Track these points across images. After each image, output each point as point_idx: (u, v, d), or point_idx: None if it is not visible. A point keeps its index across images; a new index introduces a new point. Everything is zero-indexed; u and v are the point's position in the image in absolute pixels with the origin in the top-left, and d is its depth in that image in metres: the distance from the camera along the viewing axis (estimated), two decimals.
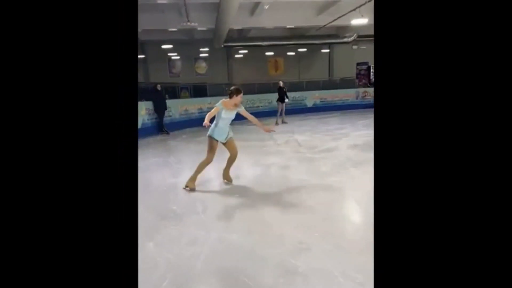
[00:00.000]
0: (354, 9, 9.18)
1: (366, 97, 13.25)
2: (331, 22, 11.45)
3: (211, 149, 4.01)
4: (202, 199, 3.76)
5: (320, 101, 13.36)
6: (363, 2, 8.58)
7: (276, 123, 9.59)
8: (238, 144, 4.33)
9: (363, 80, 15.02)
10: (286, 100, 9.70)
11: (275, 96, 9.99)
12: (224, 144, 4.14)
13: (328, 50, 18.07)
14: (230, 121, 4.12)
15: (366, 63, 15.79)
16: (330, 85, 14.02)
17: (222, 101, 4.03)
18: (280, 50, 17.41)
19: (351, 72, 15.95)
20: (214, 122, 4.04)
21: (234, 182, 4.30)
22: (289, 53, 18.23)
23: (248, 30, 13.72)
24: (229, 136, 4.12)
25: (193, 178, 4.07)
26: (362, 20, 9.19)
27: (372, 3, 8.44)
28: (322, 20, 11.87)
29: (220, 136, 4.06)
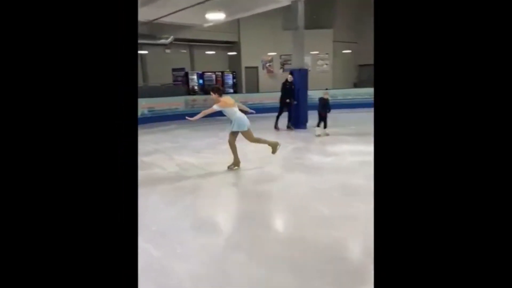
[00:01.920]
0: (199, 4, 7.92)
1: (195, 105, 12.15)
2: (161, 17, 9.71)
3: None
4: None
5: (149, 111, 11.31)
6: None
7: None
8: None
9: (185, 86, 13.89)
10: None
11: None
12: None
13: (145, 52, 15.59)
14: (229, 116, 5.14)
15: (183, 69, 14.71)
16: (151, 92, 12.01)
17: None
18: None
19: (168, 79, 14.47)
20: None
21: None
22: None
23: None
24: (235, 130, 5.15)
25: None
26: (219, 15, 8.04)
27: None
28: (147, 14, 9.93)
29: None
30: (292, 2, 9.39)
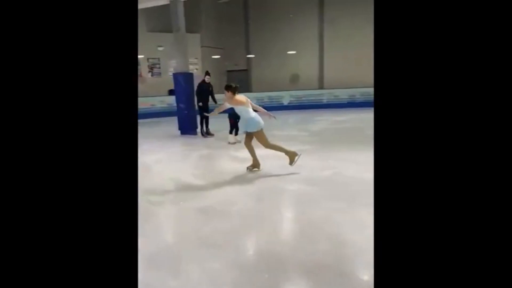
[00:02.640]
0: None
1: None
2: None
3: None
4: None
5: None
6: None
7: None
8: None
9: None
10: None
11: None
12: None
13: None
14: (241, 115, 4.93)
15: None
16: None
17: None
18: None
19: None
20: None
21: None
22: None
23: None
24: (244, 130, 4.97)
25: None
26: None
27: None
28: None
29: None
30: (171, 1, 8.82)
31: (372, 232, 1.23)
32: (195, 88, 8.64)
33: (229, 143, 7.45)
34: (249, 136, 4.96)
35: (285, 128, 5.37)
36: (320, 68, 15.91)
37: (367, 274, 2.25)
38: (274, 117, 5.13)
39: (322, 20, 15.67)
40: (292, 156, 4.92)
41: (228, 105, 4.83)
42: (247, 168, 5.10)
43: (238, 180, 4.75)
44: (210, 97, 8.44)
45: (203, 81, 8.39)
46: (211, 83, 8.60)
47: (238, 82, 8.34)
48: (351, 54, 14.42)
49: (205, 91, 8.33)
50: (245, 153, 6.53)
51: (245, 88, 16.45)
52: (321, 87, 15.60)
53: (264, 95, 14.34)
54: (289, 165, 4.93)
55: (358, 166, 4.82)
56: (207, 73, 8.48)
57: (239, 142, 7.41)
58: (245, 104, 4.80)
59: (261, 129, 4.83)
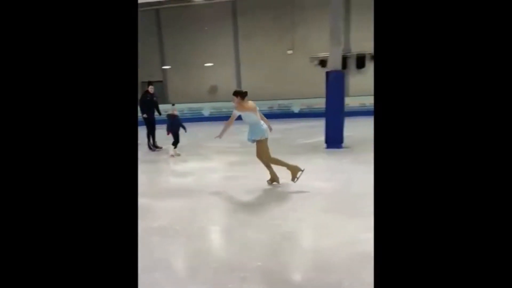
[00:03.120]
0: None
1: None
2: None
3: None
4: None
5: None
6: None
7: None
8: None
9: None
10: None
11: None
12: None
13: None
14: (247, 122, 4.54)
15: None
16: None
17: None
18: None
19: None
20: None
21: None
22: None
23: None
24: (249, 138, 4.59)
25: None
26: None
27: None
28: None
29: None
30: None
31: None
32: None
33: (171, 156, 7.24)
34: (263, 144, 4.54)
35: (215, 140, 5.32)
36: (237, 80, 16.35)
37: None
38: (271, 129, 4.73)
39: (237, 33, 16.17)
40: (294, 172, 4.52)
41: (237, 113, 4.45)
42: (267, 181, 4.73)
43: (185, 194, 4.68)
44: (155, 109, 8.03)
45: (147, 91, 7.93)
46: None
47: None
48: (266, 68, 15.17)
49: (149, 102, 7.87)
50: (185, 166, 6.41)
51: (162, 99, 16.04)
52: None
53: (184, 106, 14.19)
54: (292, 181, 4.52)
55: (305, 175, 4.59)
56: (150, 83, 8.05)
57: (179, 155, 7.28)
58: (254, 110, 4.49)
59: (266, 139, 4.52)
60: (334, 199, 4.13)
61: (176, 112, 7.31)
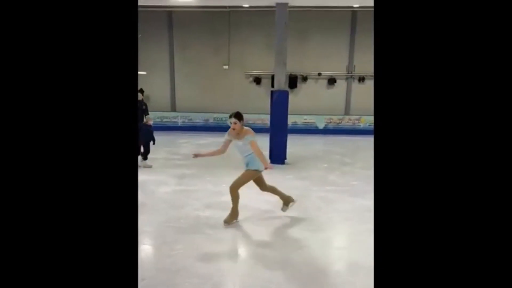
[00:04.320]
0: None
1: None
2: None
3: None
4: None
5: None
6: None
7: None
8: None
9: None
10: None
11: None
12: None
13: None
14: (240, 151, 4.06)
15: None
16: None
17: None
18: None
19: None
20: None
21: None
22: None
23: None
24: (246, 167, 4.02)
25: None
26: None
27: None
28: None
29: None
30: None
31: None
32: None
33: (144, 167, 6.78)
34: (259, 176, 4.10)
35: (154, 151, 5.12)
36: (171, 91, 16.02)
37: None
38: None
39: (172, 44, 15.92)
40: (286, 201, 4.26)
41: (239, 143, 4.00)
42: (282, 209, 4.28)
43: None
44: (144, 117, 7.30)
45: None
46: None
47: None
48: (202, 81, 15.16)
49: (138, 109, 7.11)
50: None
51: None
52: (173, 109, 15.71)
53: None
54: (281, 211, 4.25)
55: (250, 189, 4.32)
56: (140, 91, 7.33)
57: (150, 167, 6.87)
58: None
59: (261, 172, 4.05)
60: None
61: (150, 122, 6.94)
